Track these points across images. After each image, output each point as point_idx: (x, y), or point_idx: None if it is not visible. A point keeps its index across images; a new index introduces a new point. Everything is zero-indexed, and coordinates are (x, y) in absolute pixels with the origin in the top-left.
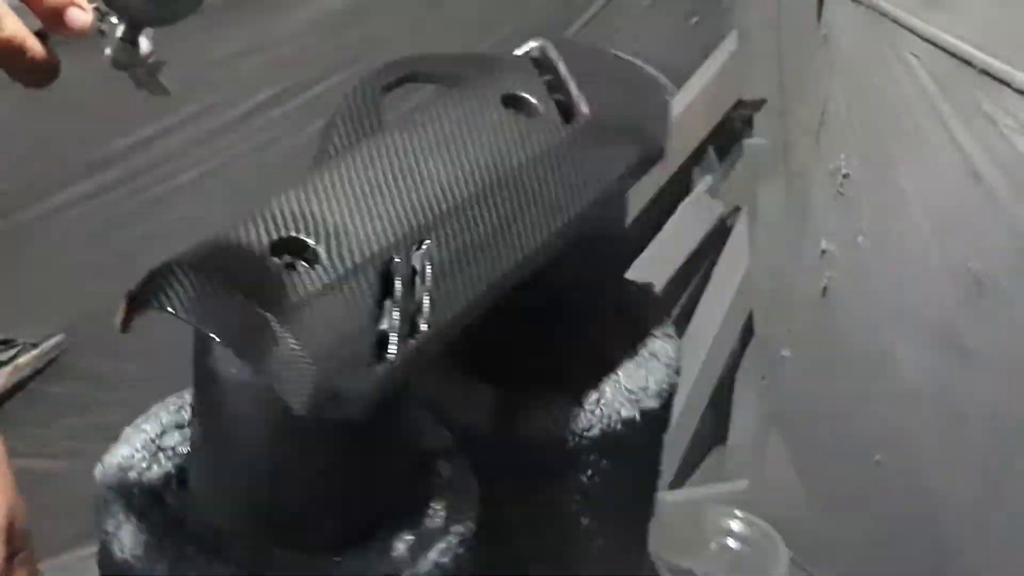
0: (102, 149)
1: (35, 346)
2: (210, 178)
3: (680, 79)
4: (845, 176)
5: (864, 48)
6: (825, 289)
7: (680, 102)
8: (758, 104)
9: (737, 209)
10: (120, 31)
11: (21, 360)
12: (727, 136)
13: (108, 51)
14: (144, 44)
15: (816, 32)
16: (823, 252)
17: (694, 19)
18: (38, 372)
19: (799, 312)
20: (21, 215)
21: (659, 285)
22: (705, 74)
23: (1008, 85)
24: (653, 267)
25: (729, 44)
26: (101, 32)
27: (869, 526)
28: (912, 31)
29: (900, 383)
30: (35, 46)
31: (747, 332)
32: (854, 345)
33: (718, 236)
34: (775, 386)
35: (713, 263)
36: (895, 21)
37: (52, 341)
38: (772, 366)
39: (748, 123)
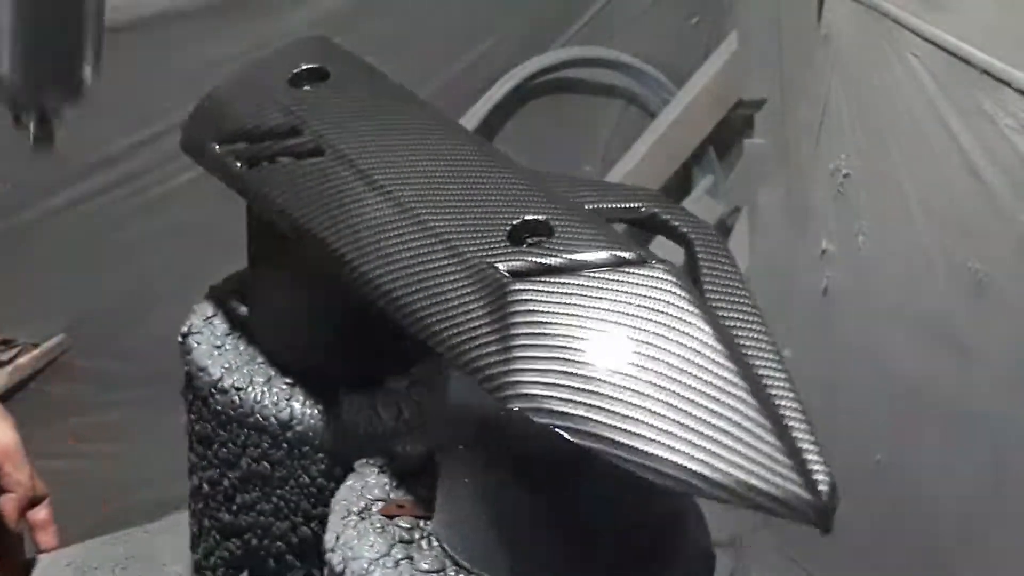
0: (102, 149)
1: (35, 346)
2: (210, 178)
3: (680, 79)
4: (845, 176)
5: (864, 48)
6: (825, 289)
7: (680, 102)
8: (758, 104)
9: (737, 209)
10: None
11: (21, 360)
12: (727, 136)
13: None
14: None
15: (816, 32)
16: (823, 252)
17: (694, 19)
18: (38, 372)
19: (799, 312)
20: (21, 215)
21: None
22: (705, 74)
23: (1008, 85)
24: None
25: (729, 44)
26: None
27: (869, 526)
28: (912, 31)
29: (900, 383)
30: None
31: None
32: (854, 345)
33: None
34: None
35: None
36: (895, 21)
37: (52, 341)
38: None
39: (748, 123)
